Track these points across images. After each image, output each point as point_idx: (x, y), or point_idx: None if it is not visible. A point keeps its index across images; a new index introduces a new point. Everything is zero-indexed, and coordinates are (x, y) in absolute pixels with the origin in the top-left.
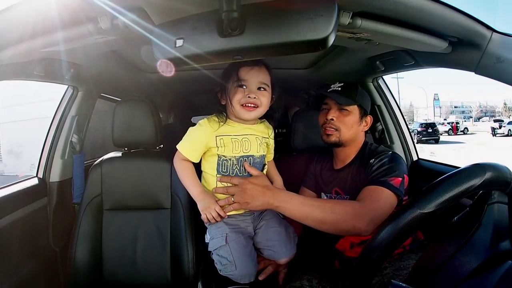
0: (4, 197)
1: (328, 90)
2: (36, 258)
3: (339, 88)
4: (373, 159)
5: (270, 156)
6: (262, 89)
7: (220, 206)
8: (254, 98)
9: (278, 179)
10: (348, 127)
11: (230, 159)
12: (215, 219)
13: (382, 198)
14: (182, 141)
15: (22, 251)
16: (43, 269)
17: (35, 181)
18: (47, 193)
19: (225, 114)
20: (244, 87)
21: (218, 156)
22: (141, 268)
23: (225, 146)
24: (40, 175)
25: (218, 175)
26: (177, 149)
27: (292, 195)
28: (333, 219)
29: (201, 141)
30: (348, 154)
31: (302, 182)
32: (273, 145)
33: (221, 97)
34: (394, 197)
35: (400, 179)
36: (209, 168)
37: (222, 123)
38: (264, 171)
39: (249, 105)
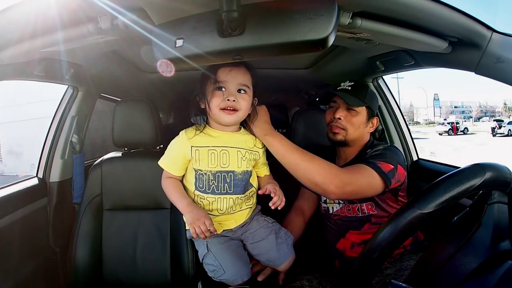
0: (4, 197)
1: (338, 88)
2: (36, 258)
3: (349, 88)
4: (370, 150)
5: (263, 170)
6: (242, 91)
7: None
8: (234, 101)
9: None
10: (355, 128)
11: (205, 173)
12: (204, 234)
13: (362, 173)
14: (162, 156)
15: (22, 251)
16: (43, 269)
17: (35, 181)
18: (47, 193)
19: (204, 122)
20: (223, 89)
21: (195, 170)
22: (141, 268)
23: (201, 159)
24: (40, 175)
25: (195, 191)
26: None
27: (281, 137)
28: (308, 167)
29: (178, 153)
30: (351, 152)
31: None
32: (265, 159)
33: (200, 100)
34: (378, 179)
35: (392, 166)
36: (188, 183)
37: (198, 131)
38: (249, 193)
39: (229, 108)
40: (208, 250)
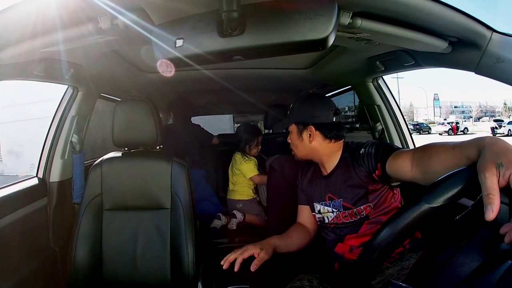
0: (4, 197)
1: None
2: (36, 258)
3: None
4: (362, 149)
5: None
6: None
7: None
8: None
9: None
10: (295, 145)
11: None
12: None
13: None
14: None
15: (22, 251)
16: (43, 269)
17: (35, 181)
18: (47, 193)
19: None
20: None
21: None
22: (141, 268)
23: None
24: (40, 175)
25: None
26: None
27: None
28: None
29: None
30: (331, 160)
31: (298, 199)
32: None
33: None
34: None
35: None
36: None
37: None
38: None
39: None
40: None
